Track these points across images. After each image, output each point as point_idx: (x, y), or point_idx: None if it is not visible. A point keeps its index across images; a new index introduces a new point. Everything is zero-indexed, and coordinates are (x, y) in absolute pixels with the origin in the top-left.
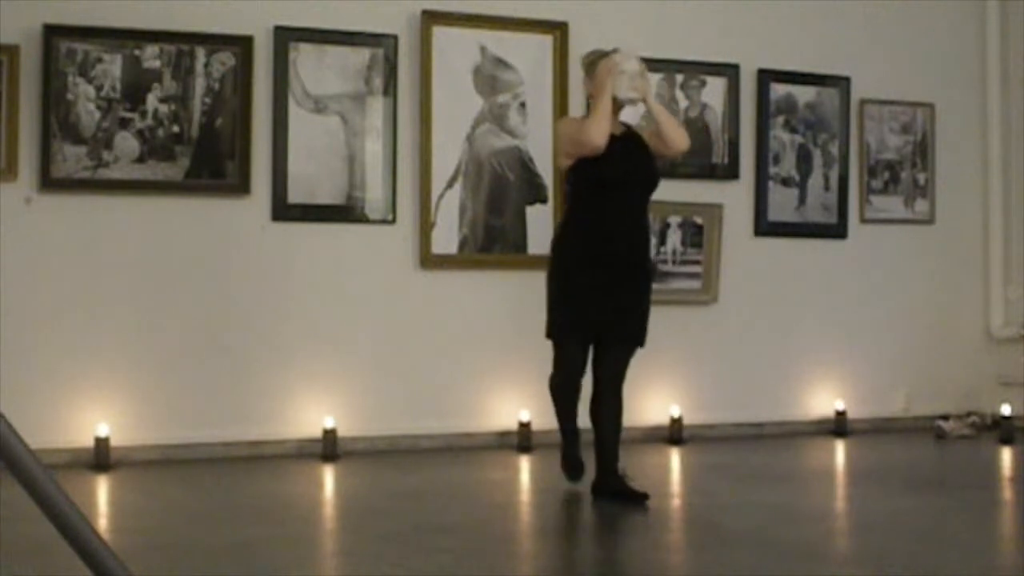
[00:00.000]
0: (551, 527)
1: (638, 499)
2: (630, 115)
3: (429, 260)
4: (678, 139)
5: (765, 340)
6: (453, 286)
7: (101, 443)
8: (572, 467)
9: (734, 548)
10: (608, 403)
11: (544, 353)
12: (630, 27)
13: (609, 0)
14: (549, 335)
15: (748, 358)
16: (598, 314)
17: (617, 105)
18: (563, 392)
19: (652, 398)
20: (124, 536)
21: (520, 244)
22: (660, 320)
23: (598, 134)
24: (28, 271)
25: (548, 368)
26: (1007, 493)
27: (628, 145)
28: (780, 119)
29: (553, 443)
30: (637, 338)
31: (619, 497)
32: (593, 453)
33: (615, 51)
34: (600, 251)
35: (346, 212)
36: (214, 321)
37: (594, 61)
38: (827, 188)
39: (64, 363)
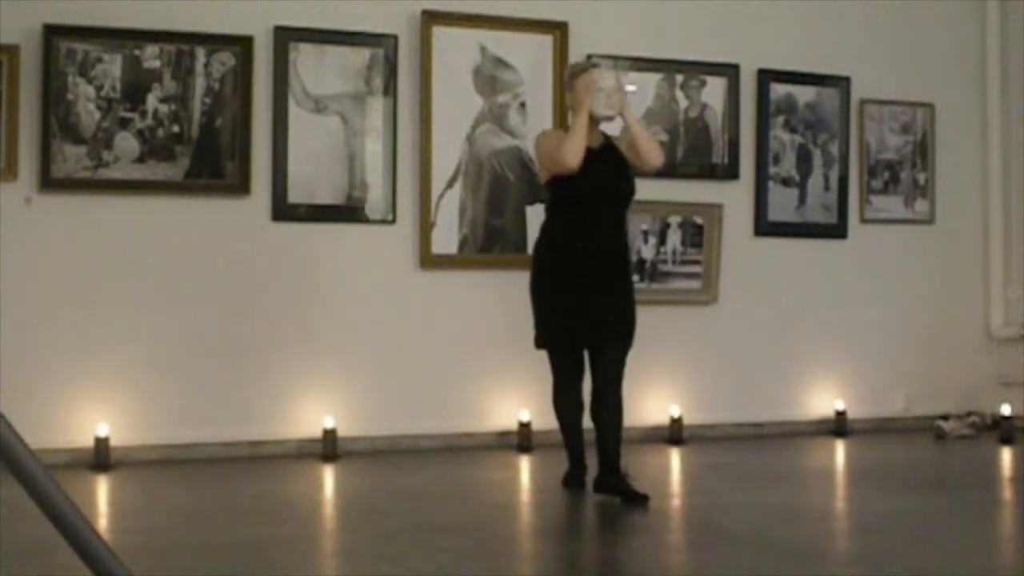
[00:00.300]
0: (551, 527)
1: (639, 500)
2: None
3: (429, 260)
4: (652, 156)
5: (765, 340)
6: (453, 286)
7: (101, 443)
8: (576, 485)
9: (734, 548)
10: (609, 402)
11: (544, 353)
12: (630, 27)
13: (609, 0)
14: (539, 346)
15: (748, 358)
16: (585, 318)
17: (595, 121)
18: (565, 406)
19: (652, 398)
20: (124, 536)
21: (520, 244)
22: (660, 320)
23: (572, 155)
24: (28, 271)
25: (548, 369)
26: (1007, 493)
27: (605, 158)
28: (780, 119)
29: (554, 443)
30: (629, 335)
31: (620, 496)
32: (596, 452)
33: (594, 66)
34: (578, 261)
35: (346, 212)
36: (214, 321)
37: (574, 74)
38: (827, 188)
39: (64, 363)
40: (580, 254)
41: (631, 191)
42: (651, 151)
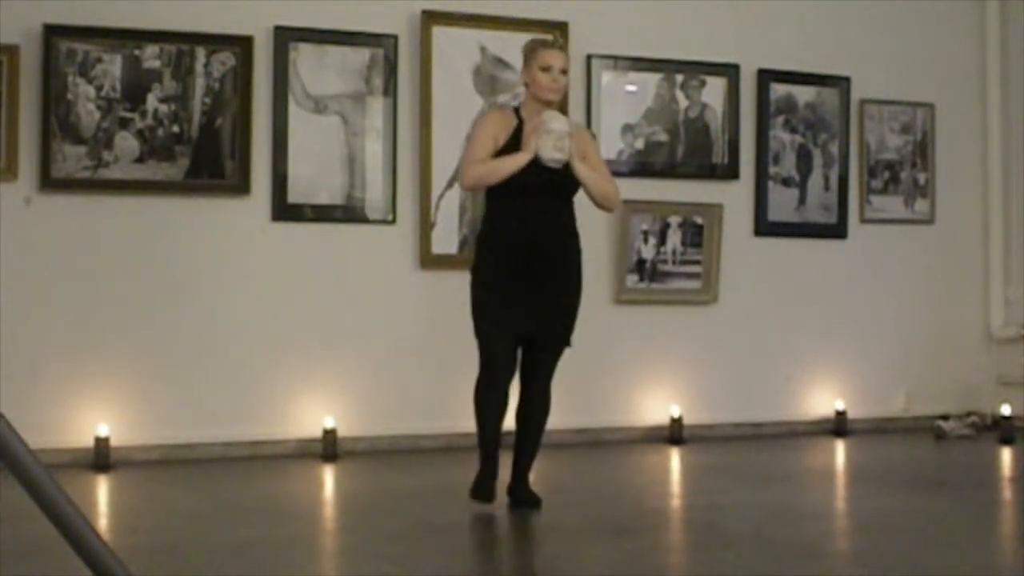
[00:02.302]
0: (551, 527)
1: (530, 503)
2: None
3: (429, 260)
4: (606, 200)
5: (765, 340)
6: (453, 286)
7: (101, 443)
8: (485, 496)
9: (734, 548)
10: (541, 405)
11: None
12: (630, 27)
13: (609, 0)
14: (477, 334)
15: (748, 358)
16: (526, 316)
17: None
18: (490, 401)
19: (652, 398)
20: (124, 536)
21: None
22: (660, 320)
23: (471, 182)
24: (28, 271)
25: None
26: (1007, 493)
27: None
28: (780, 119)
29: (552, 443)
30: (565, 339)
31: (524, 505)
32: (513, 453)
33: (554, 42)
34: (521, 250)
35: (346, 212)
36: (214, 321)
37: (528, 53)
38: (827, 188)
39: (64, 363)
40: (518, 248)
41: (571, 186)
42: (604, 197)
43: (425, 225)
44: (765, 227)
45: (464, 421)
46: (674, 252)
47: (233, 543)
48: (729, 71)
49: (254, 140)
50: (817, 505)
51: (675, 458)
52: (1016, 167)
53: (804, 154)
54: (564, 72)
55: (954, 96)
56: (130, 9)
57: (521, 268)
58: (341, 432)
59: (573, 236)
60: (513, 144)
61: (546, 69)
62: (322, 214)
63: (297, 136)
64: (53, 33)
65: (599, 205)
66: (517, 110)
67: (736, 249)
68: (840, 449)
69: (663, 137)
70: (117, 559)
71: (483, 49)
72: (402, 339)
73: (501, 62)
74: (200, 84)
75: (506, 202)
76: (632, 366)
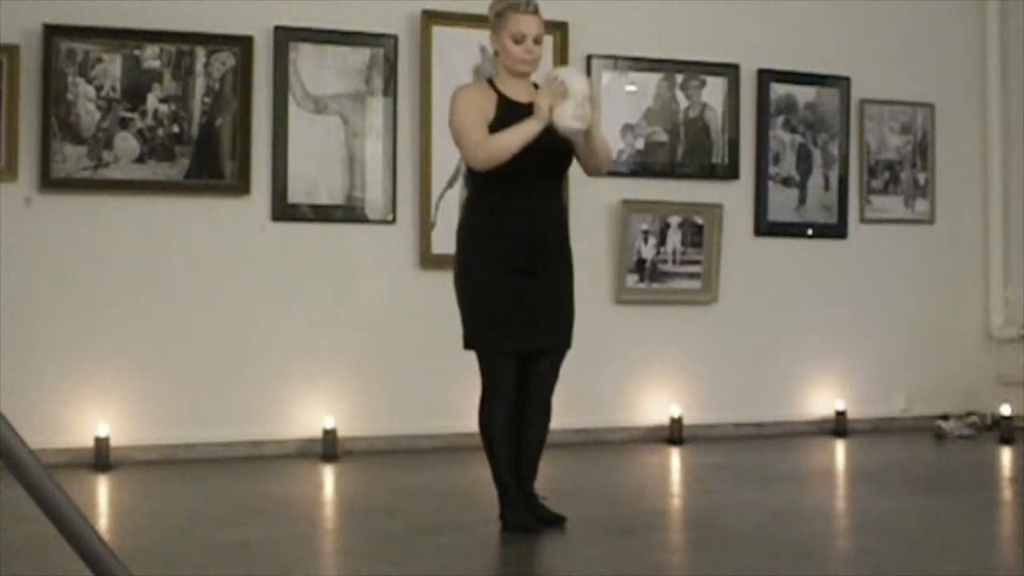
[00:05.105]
0: (550, 527)
1: (556, 521)
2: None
3: (429, 260)
4: (602, 167)
5: (765, 340)
6: (453, 286)
7: (101, 443)
8: (531, 523)
9: (734, 548)
10: (539, 416)
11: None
12: (630, 27)
13: (609, 0)
14: (470, 345)
15: (748, 358)
16: (532, 326)
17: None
18: (503, 425)
19: (652, 398)
20: (124, 536)
21: None
22: (660, 320)
23: (488, 161)
24: (28, 271)
25: None
26: (1007, 493)
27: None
28: (780, 119)
29: (551, 443)
30: (569, 341)
31: (538, 521)
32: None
33: (527, 4)
34: (521, 241)
35: (346, 212)
36: (214, 321)
37: (496, 16)
38: (827, 188)
39: (64, 363)
40: (518, 238)
41: (568, 154)
42: (608, 160)
43: (425, 225)
44: (765, 227)
45: (464, 421)
46: (674, 252)
47: (233, 543)
48: (729, 71)
49: (254, 140)
50: (817, 505)
51: (675, 458)
52: (1016, 167)
53: (804, 154)
54: (538, 41)
55: (954, 96)
56: (130, 9)
57: (523, 262)
58: (341, 432)
59: (565, 217)
60: (501, 120)
61: (519, 40)
62: (322, 214)
63: (297, 136)
64: (53, 33)
65: (590, 169)
66: (491, 81)
67: (736, 249)
68: (840, 449)
69: (663, 137)
70: (117, 559)
71: (483, 49)
72: (402, 339)
73: None
74: (200, 84)
75: (489, 182)
76: (632, 366)
